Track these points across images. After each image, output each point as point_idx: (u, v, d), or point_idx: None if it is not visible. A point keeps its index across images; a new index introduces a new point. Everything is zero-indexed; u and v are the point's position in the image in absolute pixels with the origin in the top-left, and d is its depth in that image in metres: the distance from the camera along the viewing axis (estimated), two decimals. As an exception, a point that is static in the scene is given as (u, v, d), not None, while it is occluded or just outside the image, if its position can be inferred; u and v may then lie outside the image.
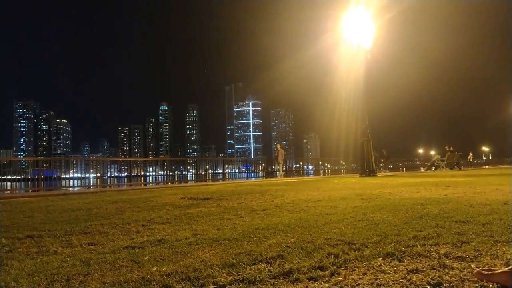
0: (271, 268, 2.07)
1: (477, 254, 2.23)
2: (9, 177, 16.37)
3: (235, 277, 1.94)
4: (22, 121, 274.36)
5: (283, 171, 22.12)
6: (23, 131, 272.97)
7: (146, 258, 2.39)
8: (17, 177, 16.07)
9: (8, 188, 15.08)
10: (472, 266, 2.01)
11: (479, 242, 2.49)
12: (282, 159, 21.97)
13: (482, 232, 2.77)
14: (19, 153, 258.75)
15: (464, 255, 2.20)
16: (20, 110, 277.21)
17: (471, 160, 41.76)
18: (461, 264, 2.06)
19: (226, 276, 1.97)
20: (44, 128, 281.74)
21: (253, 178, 22.09)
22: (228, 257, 2.31)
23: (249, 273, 1.99)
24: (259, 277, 1.93)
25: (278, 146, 23.64)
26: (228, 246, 2.64)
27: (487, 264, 2.06)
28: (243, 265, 2.14)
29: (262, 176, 23.21)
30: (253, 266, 2.12)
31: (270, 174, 23.92)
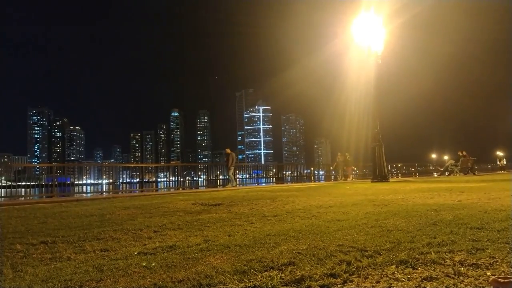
0: (283, 275, 2.06)
1: (492, 261, 2.19)
2: (23, 183, 16.64)
3: (247, 284, 1.94)
4: (36, 128, 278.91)
5: (233, 179, 18.84)
6: (37, 138, 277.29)
7: (157, 264, 2.40)
8: (31, 183, 16.32)
9: (23, 194, 15.31)
10: (488, 273, 1.98)
11: (494, 249, 2.45)
12: (233, 164, 18.81)
13: (497, 239, 2.72)
14: (33, 160, 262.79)
15: (479, 263, 2.16)
16: (35, 117, 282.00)
17: (503, 164, 41.62)
18: (476, 271, 2.03)
19: (237, 283, 1.97)
20: (58, 135, 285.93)
21: (264, 184, 22.04)
22: (240, 264, 2.30)
23: (260, 280, 1.99)
24: (271, 284, 1.92)
25: (228, 150, 19.49)
26: (239, 253, 2.63)
27: (503, 271, 2.02)
28: (255, 272, 2.13)
29: (273, 182, 23.17)
30: (265, 273, 2.11)
31: (281, 179, 23.83)
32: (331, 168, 27.61)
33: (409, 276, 1.99)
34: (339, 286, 1.89)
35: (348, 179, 22.96)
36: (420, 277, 1.96)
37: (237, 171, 22.98)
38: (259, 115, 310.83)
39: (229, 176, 18.70)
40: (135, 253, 2.82)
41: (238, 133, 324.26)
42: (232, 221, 4.32)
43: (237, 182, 19.28)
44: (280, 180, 23.84)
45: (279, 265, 2.24)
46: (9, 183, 14.93)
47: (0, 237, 3.68)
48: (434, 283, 1.87)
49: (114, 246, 3.14)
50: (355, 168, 29.44)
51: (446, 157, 40.72)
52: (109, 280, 2.12)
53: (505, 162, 42.85)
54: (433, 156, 64.06)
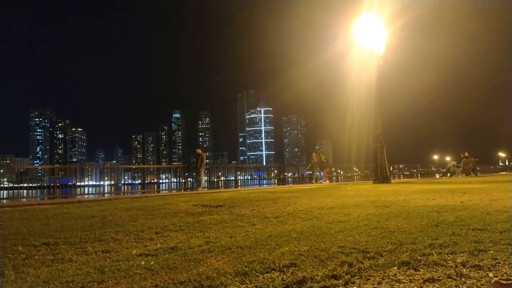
0: (284, 276, 2.06)
1: (494, 263, 2.19)
2: (25, 184, 16.68)
3: (248, 286, 1.94)
4: (38, 130, 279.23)
5: (203, 182, 17.39)
6: (39, 139, 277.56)
7: (158, 265, 2.40)
8: (33, 185, 16.36)
9: (25, 195, 15.35)
10: (490, 275, 1.97)
11: (496, 250, 2.44)
12: (202, 166, 17.44)
13: (499, 240, 2.71)
14: (35, 161, 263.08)
15: (482, 264, 2.16)
16: (37, 119, 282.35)
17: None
18: (478, 273, 2.02)
19: (239, 284, 1.97)
20: (60, 136, 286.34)
21: (265, 185, 22.02)
22: (241, 265, 2.30)
23: (262, 282, 1.99)
24: (272, 285, 1.92)
25: (199, 150, 18.07)
26: (240, 254, 2.63)
27: (505, 273, 2.01)
28: (256, 273, 2.13)
29: (275, 183, 23.15)
30: (266, 275, 2.11)
31: (282, 181, 23.79)
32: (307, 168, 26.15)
33: (411, 277, 1.99)
34: (340, 287, 1.89)
35: (320, 181, 21.51)
36: (422, 278, 1.96)
37: (238, 173, 22.97)
38: (261, 117, 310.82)
39: (198, 178, 17.56)
40: (137, 254, 2.82)
41: (240, 134, 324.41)
42: (233, 223, 4.32)
43: (205, 185, 17.96)
44: (282, 181, 23.78)
45: (280, 267, 2.24)
46: (11, 185, 14.98)
47: (2, 239, 3.69)
48: (436, 285, 1.86)
49: (116, 247, 3.15)
50: (357, 169, 29.41)
51: (448, 158, 40.65)
52: (111, 282, 2.12)
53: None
54: (435, 157, 63.96)
